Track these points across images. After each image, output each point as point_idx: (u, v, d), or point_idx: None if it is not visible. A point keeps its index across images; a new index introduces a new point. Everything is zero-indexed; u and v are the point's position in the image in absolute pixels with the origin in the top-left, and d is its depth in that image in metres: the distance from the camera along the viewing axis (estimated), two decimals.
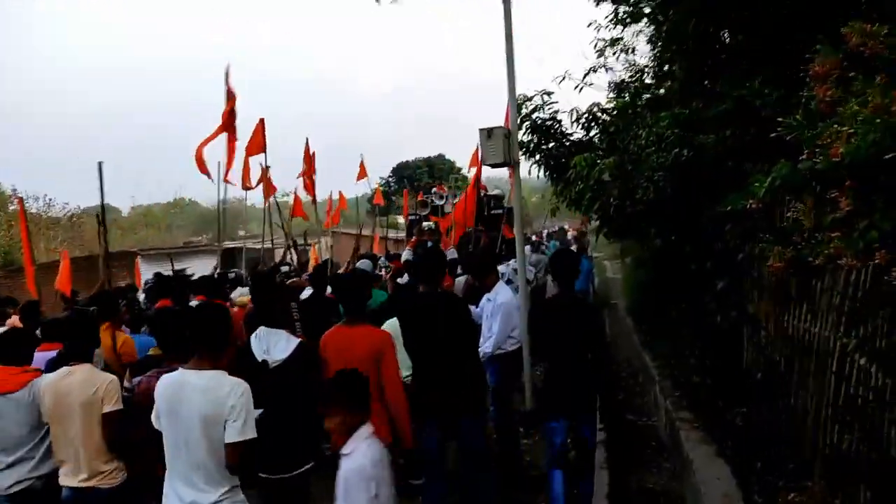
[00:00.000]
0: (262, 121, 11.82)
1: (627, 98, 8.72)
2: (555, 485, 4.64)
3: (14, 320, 7.02)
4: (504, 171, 8.95)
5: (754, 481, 4.29)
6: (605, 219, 7.51)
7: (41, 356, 4.76)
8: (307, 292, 7.51)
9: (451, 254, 9.95)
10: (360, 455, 3.02)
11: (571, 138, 8.56)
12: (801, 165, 2.73)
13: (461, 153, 64.19)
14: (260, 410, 3.38)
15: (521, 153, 7.54)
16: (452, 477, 4.83)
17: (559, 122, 8.54)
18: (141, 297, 8.56)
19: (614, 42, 9.38)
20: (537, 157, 8.55)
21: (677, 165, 6.41)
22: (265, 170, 11.99)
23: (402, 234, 21.22)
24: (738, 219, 5.32)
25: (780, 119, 2.85)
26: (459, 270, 8.54)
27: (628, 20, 8.85)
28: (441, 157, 54.55)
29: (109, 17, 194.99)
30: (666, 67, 8.67)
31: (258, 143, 11.59)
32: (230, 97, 10.98)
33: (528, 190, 23.01)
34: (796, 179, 2.79)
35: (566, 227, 19.25)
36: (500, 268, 8.04)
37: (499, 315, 5.93)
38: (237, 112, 11.01)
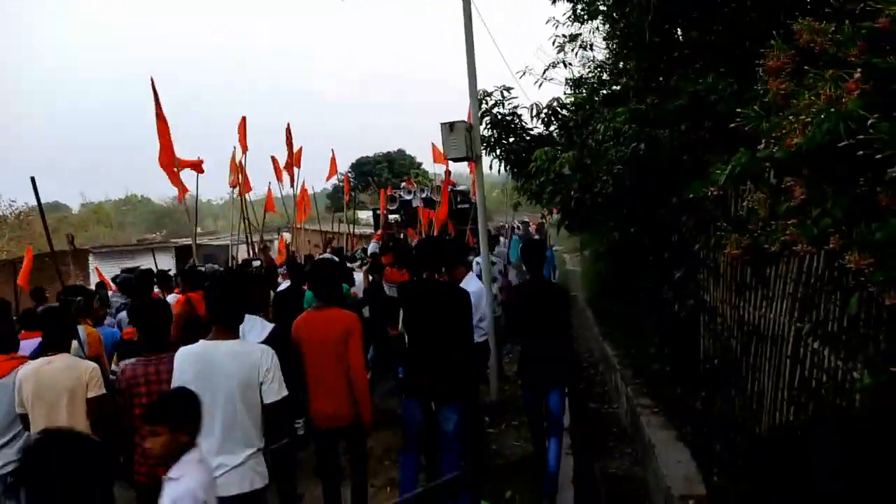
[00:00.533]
0: (244, 119, 11.74)
1: (585, 94, 8.85)
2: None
3: None
4: (464, 166, 9.05)
5: (714, 463, 4.44)
6: (565, 212, 7.62)
7: (27, 344, 4.81)
8: (285, 284, 7.71)
9: (373, 248, 10.33)
10: (191, 479, 2.73)
11: (532, 133, 8.67)
12: (759, 154, 2.84)
13: (420, 149, 63.74)
14: None
15: (482, 148, 7.61)
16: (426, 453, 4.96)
17: (519, 116, 8.65)
18: (111, 293, 8.42)
19: (573, 38, 9.48)
20: (498, 151, 8.64)
21: (635, 159, 6.55)
22: (240, 167, 11.77)
23: (368, 230, 21.27)
24: (695, 210, 5.50)
25: (738, 110, 2.96)
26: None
27: (585, 17, 8.97)
28: (401, 152, 53.46)
29: (109, 17, 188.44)
30: (622, 64, 8.80)
31: (244, 142, 11.66)
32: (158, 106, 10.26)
33: (488, 185, 23.22)
34: (756, 167, 2.91)
35: (527, 220, 19.47)
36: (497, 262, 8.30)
37: None
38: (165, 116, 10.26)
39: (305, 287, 6.81)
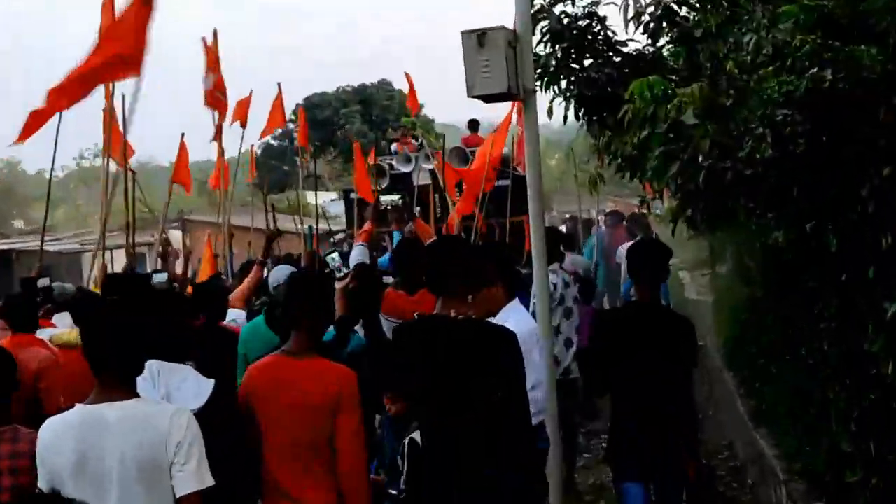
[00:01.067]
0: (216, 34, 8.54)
1: None
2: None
3: None
4: (499, 111, 6.33)
5: None
6: (687, 193, 5.18)
7: None
8: (235, 314, 5.49)
9: (359, 254, 6.10)
10: None
11: (624, 51, 5.90)
12: None
13: (417, 82, 39.30)
14: None
15: (536, 77, 4.97)
16: None
17: (603, 21, 5.77)
18: None
19: None
20: (564, 83, 5.82)
21: (817, 97, 4.44)
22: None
23: (337, 226, 15.58)
24: None
25: None
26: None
27: None
28: (385, 84, 35.78)
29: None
30: None
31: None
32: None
33: (544, 144, 15.94)
34: None
35: (616, 208, 15.24)
36: (552, 277, 5.61)
37: None
38: None
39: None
